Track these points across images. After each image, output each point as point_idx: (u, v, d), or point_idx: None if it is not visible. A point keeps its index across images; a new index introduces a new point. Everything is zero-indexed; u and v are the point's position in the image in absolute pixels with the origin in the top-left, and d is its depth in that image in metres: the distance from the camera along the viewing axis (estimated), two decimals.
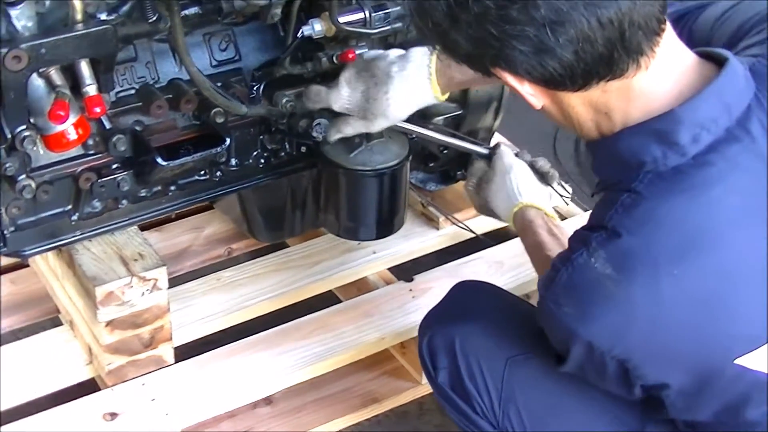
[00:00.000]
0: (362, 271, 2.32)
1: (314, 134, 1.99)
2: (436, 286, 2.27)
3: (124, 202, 1.95)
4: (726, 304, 1.36)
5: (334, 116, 1.94)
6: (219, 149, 1.89)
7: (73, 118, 1.72)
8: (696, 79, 1.36)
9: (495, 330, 1.71)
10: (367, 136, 2.02)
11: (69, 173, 1.84)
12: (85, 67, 1.69)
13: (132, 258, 1.96)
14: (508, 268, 2.32)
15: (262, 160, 2.08)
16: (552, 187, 1.96)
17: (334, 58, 1.93)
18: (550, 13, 1.25)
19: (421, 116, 2.06)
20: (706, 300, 1.35)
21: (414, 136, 2.12)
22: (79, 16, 1.65)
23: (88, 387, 2.06)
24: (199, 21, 1.87)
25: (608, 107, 1.37)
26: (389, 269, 2.35)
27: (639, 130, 1.37)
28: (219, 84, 1.91)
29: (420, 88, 1.82)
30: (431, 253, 2.41)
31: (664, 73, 1.35)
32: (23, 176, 1.75)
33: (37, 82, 1.68)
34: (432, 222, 2.42)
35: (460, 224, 2.37)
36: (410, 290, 2.26)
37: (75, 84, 1.71)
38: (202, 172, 2.02)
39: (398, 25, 1.97)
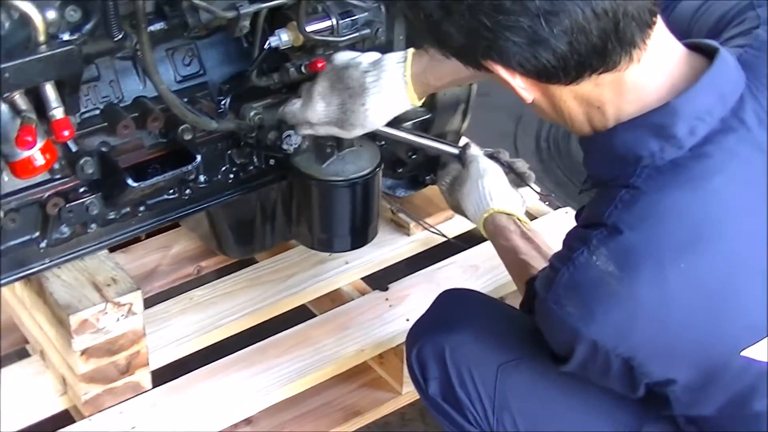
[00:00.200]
0: (336, 282, 2.29)
1: (284, 146, 1.96)
2: (412, 293, 2.24)
3: (93, 225, 1.90)
4: (732, 295, 1.35)
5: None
6: (191, 167, 1.85)
7: (39, 143, 1.67)
8: (687, 71, 1.36)
9: (485, 337, 1.69)
10: (339, 146, 1.99)
11: (36, 199, 1.79)
12: (50, 90, 1.64)
13: (105, 283, 1.92)
14: (483, 272, 2.30)
15: (231, 175, 2.04)
16: (531, 187, 1.95)
17: (303, 68, 1.89)
18: (545, 4, 1.24)
19: (392, 121, 2.03)
20: (713, 292, 1.34)
21: (383, 142, 2.10)
22: (41, 38, 1.59)
23: (64, 419, 2.00)
24: (164, 36, 1.82)
25: (601, 101, 1.36)
26: (363, 279, 2.32)
27: (635, 124, 1.35)
28: (185, 100, 1.87)
29: (397, 96, 1.81)
30: (403, 260, 2.38)
31: (656, 66, 1.34)
32: None
33: (1, 107, 1.63)
34: (402, 228, 2.39)
35: (432, 229, 2.35)
36: (386, 299, 2.23)
37: (39, 107, 1.66)
38: (171, 191, 1.97)
39: (366, 31, 1.94)
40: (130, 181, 1.78)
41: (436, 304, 1.81)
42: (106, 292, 1.90)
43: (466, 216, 1.95)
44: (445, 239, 2.36)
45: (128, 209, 1.93)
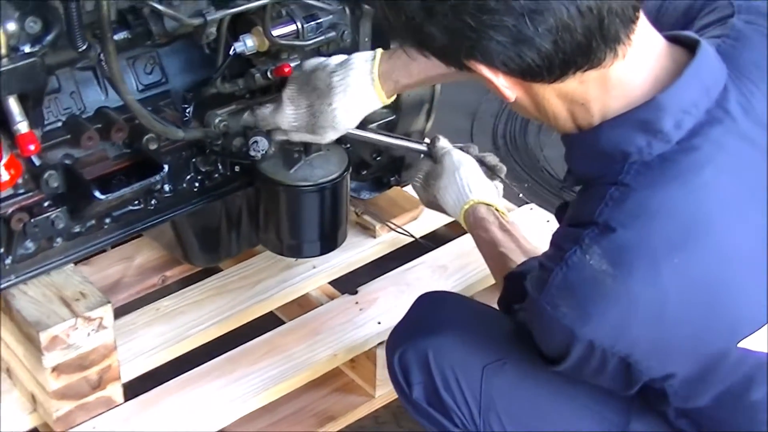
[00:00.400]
0: (304, 287, 2.26)
1: (252, 153, 1.93)
2: (381, 296, 2.23)
3: (59, 240, 1.86)
4: (728, 286, 1.35)
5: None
6: (159, 177, 1.81)
7: (4, 158, 1.63)
8: (669, 65, 1.35)
9: (467, 339, 1.67)
10: (306, 150, 1.97)
11: None
12: (13, 104, 1.60)
13: (73, 298, 1.87)
14: (452, 271, 2.29)
15: (197, 184, 2.01)
16: (502, 180, 1.94)
17: (269, 73, 1.86)
18: (530, 3, 1.23)
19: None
20: (709, 285, 1.34)
21: (348, 145, 2.08)
22: (3, 51, 1.56)
23: None
24: (126, 45, 1.78)
25: (585, 98, 1.35)
26: (330, 283, 2.30)
27: (621, 121, 1.35)
28: (149, 109, 1.83)
29: (364, 94, 1.78)
30: (370, 262, 2.36)
31: (640, 61, 1.33)
32: None
33: None
34: (368, 230, 2.37)
35: (399, 229, 2.34)
36: (356, 303, 2.21)
37: (1, 121, 1.62)
38: (137, 202, 1.94)
39: (331, 34, 1.92)
40: (97, 194, 1.75)
41: (415, 307, 1.79)
42: (76, 307, 1.85)
43: (444, 210, 1.92)
44: (411, 240, 2.35)
45: (94, 222, 1.89)
